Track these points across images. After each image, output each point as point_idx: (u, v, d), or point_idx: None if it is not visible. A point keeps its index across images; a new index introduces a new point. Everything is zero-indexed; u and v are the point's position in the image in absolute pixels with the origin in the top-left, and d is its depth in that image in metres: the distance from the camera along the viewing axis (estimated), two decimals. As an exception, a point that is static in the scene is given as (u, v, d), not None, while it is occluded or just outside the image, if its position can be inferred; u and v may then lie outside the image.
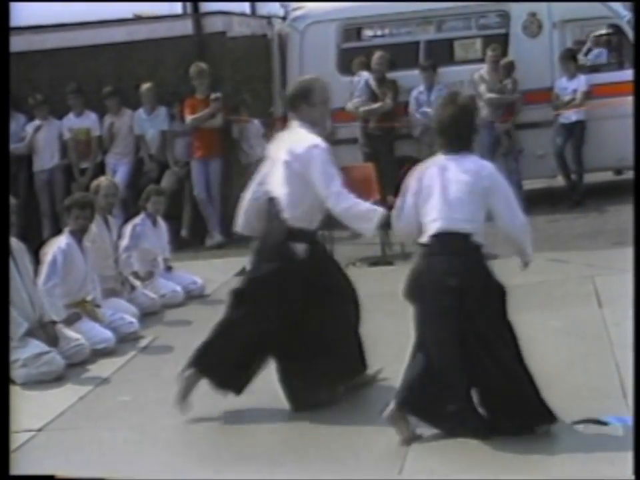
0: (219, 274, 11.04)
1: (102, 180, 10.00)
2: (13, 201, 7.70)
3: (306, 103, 6.53)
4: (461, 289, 5.67)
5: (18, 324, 7.78)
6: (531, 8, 13.32)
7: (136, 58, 13.11)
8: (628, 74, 12.16)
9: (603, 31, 16.61)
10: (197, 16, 13.38)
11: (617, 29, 13.90)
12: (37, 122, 13.09)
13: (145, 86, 12.95)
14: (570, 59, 13.21)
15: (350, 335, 6.64)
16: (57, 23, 13.71)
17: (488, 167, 5.91)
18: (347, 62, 13.62)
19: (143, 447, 6.37)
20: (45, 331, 8.04)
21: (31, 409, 7.06)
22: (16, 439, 6.24)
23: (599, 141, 12.94)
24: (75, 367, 8.04)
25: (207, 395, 7.07)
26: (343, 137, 12.83)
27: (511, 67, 13.16)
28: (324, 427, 6.30)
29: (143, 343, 8.76)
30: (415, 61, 13.56)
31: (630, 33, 13.02)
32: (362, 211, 6.30)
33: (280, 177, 6.50)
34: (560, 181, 13.61)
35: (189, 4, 14.23)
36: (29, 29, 13.10)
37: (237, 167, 13.22)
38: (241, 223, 6.95)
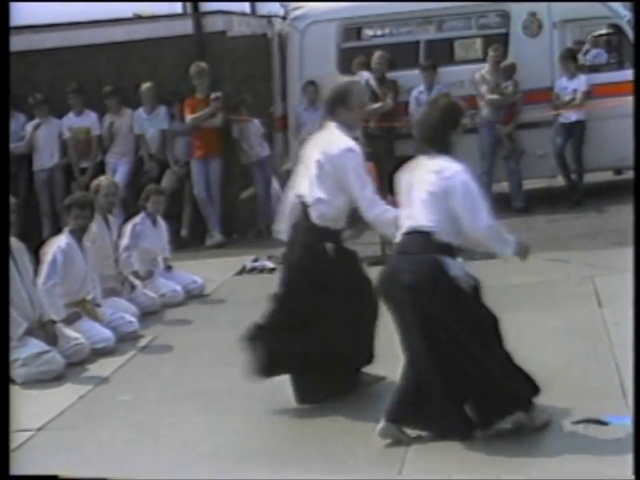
0: (219, 273, 11.06)
1: (102, 179, 10.00)
2: (12, 200, 7.69)
3: (343, 106, 6.57)
4: (409, 286, 5.70)
5: (18, 323, 7.78)
6: (531, 8, 13.31)
7: (136, 57, 13.09)
8: (628, 74, 12.16)
9: (603, 31, 16.58)
10: (197, 15, 13.37)
11: (617, 29, 13.89)
12: (36, 120, 13.08)
13: (145, 85, 12.94)
14: (570, 59, 13.19)
15: (363, 331, 6.70)
16: (57, 23, 13.68)
17: (452, 168, 5.80)
18: (347, 62, 13.58)
19: (143, 446, 6.36)
20: (45, 330, 8.04)
21: (30, 408, 7.05)
22: (16, 439, 6.23)
23: (599, 140, 12.92)
24: (74, 366, 8.04)
25: (207, 395, 7.08)
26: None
27: (512, 69, 13.14)
28: (324, 427, 6.30)
29: (143, 342, 8.76)
30: (415, 61, 13.55)
31: (630, 33, 13.01)
32: (390, 219, 6.37)
33: (312, 176, 6.54)
34: (560, 181, 13.59)
35: (188, 3, 14.19)
36: (28, 29, 13.06)
37: (237, 167, 13.23)
38: (283, 229, 6.93)
